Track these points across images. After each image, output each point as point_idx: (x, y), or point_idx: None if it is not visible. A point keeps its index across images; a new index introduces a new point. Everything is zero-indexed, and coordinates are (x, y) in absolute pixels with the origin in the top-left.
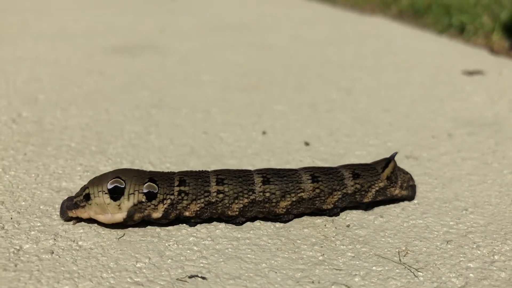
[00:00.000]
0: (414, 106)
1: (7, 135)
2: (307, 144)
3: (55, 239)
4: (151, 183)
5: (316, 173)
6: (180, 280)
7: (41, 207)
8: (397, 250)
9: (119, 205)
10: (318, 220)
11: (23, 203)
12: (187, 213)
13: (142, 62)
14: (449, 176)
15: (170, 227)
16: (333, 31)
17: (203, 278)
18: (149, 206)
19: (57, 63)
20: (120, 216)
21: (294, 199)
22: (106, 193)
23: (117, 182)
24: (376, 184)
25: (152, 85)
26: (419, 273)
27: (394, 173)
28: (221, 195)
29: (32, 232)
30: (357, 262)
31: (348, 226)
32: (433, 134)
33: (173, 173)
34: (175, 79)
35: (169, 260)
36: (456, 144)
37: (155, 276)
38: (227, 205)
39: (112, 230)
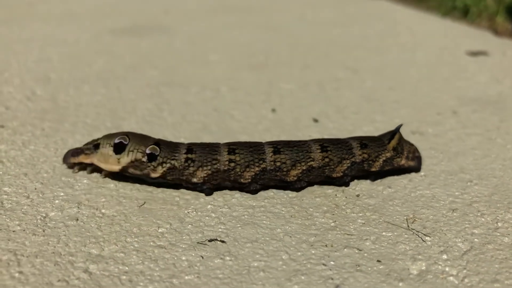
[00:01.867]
0: (419, 85)
1: (24, 112)
2: (315, 120)
3: (78, 207)
4: (155, 146)
5: (326, 144)
6: (200, 243)
7: (62, 178)
8: (405, 217)
9: (118, 159)
10: (329, 190)
11: (45, 174)
12: (194, 179)
13: (149, 43)
14: (454, 151)
15: (188, 196)
16: (338, 12)
17: (222, 241)
18: (148, 166)
19: (66, 44)
20: (116, 168)
21: (304, 167)
22: (111, 146)
23: (122, 139)
24: (383, 154)
25: (161, 64)
26: (426, 237)
27: (400, 144)
28: (232, 164)
29: (56, 201)
30: (368, 228)
31: (357, 195)
32: (438, 111)
33: (181, 143)
34: (183, 59)
35: (189, 225)
36: (461, 121)
37: (176, 240)
38: (239, 173)
39: (133, 199)
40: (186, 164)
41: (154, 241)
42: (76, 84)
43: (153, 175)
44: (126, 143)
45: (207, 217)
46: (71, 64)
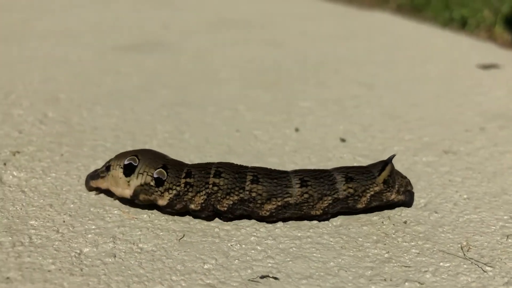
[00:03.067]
0: (439, 101)
1: (39, 136)
2: (343, 140)
3: (114, 242)
4: (162, 170)
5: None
6: (252, 281)
7: (91, 209)
8: (459, 245)
9: (128, 182)
10: (375, 217)
11: (72, 205)
12: (192, 206)
13: (155, 60)
14: (491, 171)
15: (228, 227)
16: (338, 26)
17: (275, 278)
18: (156, 191)
19: (69, 62)
20: (127, 192)
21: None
22: (121, 167)
23: (132, 160)
24: (372, 189)
25: (171, 83)
26: (487, 268)
27: (391, 177)
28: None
29: (89, 235)
30: (424, 259)
31: (405, 222)
32: (466, 128)
33: (186, 164)
34: (193, 77)
35: (236, 260)
36: (490, 138)
37: (226, 278)
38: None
39: (171, 231)
40: (185, 189)
41: (202, 279)
42: (88, 106)
43: (161, 202)
44: (136, 164)
45: (252, 251)
46: (78, 83)
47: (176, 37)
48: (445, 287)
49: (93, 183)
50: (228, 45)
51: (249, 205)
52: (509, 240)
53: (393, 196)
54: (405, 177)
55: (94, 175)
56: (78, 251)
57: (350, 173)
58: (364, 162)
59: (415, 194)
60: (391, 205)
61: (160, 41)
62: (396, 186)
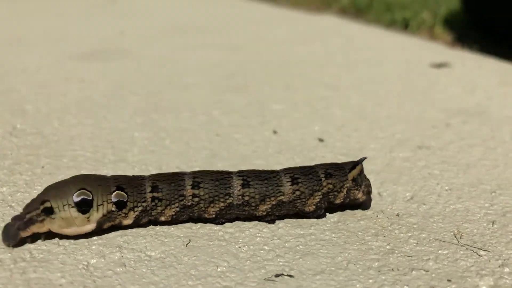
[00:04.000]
0: (401, 100)
1: (12, 149)
2: (321, 140)
3: (120, 251)
4: (120, 192)
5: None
6: (268, 280)
7: None
8: (451, 233)
9: (88, 218)
10: (369, 212)
11: None
12: (162, 218)
13: (117, 67)
14: (464, 163)
15: (231, 230)
16: (291, 30)
17: (290, 276)
18: (119, 214)
19: (27, 72)
20: (89, 227)
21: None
22: (73, 207)
23: (83, 194)
24: (346, 185)
25: (139, 90)
26: (481, 252)
27: (360, 176)
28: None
29: (93, 246)
30: (423, 248)
31: (397, 215)
32: (432, 125)
33: (142, 177)
34: (160, 82)
35: (247, 261)
36: (457, 132)
37: (242, 279)
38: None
39: (175, 237)
40: (153, 203)
41: (218, 282)
42: (57, 115)
43: (126, 222)
44: (91, 198)
45: (261, 251)
46: (42, 93)
47: (133, 44)
48: (448, 272)
49: (27, 232)
50: (188, 50)
51: (244, 209)
52: (495, 226)
53: (360, 195)
54: (367, 179)
55: (22, 224)
56: (86, 263)
57: (329, 170)
58: (346, 160)
59: (400, 188)
60: (350, 206)
61: (118, 48)
62: (363, 186)
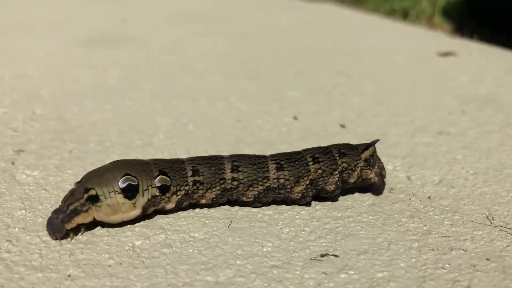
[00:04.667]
0: (414, 87)
1: (36, 134)
2: (343, 126)
3: (165, 233)
4: (163, 176)
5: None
6: (314, 259)
7: None
8: (483, 215)
9: (134, 203)
10: (401, 195)
11: None
12: (203, 201)
13: (126, 54)
14: (485, 148)
15: (269, 212)
16: (292, 18)
17: (335, 255)
18: (163, 199)
19: (36, 58)
20: (134, 213)
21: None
22: (119, 193)
23: (129, 180)
24: (359, 164)
25: (153, 76)
26: None
27: (373, 157)
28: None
29: (136, 228)
30: (458, 229)
31: (429, 198)
32: (449, 111)
33: (181, 161)
34: (172, 69)
35: (291, 242)
36: (473, 119)
37: (288, 258)
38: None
39: (216, 219)
40: (195, 187)
41: (266, 261)
42: (75, 101)
43: (168, 206)
44: (136, 183)
45: (302, 232)
46: (55, 79)
47: (138, 31)
48: (486, 252)
49: (72, 224)
50: (194, 37)
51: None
52: None
53: (372, 175)
54: (382, 162)
55: (66, 216)
56: (131, 244)
57: (342, 149)
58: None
59: (427, 172)
60: (365, 188)
61: (122, 35)
62: (376, 166)
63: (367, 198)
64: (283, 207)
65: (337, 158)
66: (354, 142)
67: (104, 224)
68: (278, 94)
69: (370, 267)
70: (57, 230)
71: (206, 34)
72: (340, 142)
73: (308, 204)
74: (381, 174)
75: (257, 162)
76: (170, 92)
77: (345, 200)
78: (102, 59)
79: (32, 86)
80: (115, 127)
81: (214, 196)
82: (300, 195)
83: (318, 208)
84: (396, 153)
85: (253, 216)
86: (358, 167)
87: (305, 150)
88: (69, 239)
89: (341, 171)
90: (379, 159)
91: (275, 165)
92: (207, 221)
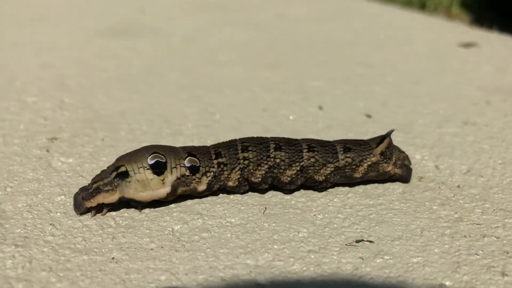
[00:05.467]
0: (437, 78)
1: (67, 122)
2: (368, 116)
3: (202, 218)
4: (192, 157)
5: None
6: (350, 245)
7: None
8: None
9: (162, 180)
10: (431, 183)
11: None
12: (230, 183)
13: (147, 44)
14: (511, 138)
15: (302, 199)
16: (310, 8)
17: (370, 241)
18: (194, 179)
19: (59, 48)
20: (163, 191)
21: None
22: (148, 169)
23: (157, 157)
24: (368, 159)
25: (176, 66)
26: None
27: (389, 149)
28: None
29: (174, 213)
30: (489, 217)
31: (458, 186)
32: (473, 102)
33: (206, 146)
34: (194, 59)
35: (326, 228)
36: (498, 110)
37: (324, 244)
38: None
39: (250, 205)
40: (220, 169)
41: (302, 246)
42: (102, 90)
43: (200, 188)
44: (164, 160)
45: (336, 219)
46: (79, 69)
47: (156, 21)
48: None
49: (91, 202)
50: (213, 28)
51: (273, 171)
52: None
53: (389, 168)
54: (403, 152)
55: (88, 194)
56: (170, 229)
57: (348, 144)
58: (398, 135)
59: (455, 161)
60: (390, 179)
61: (142, 25)
62: (393, 158)
63: (397, 186)
64: (316, 194)
65: (341, 152)
66: (381, 132)
67: (130, 208)
68: (301, 84)
69: (405, 253)
70: (77, 206)
71: (224, 24)
72: (369, 132)
73: (291, 191)
74: (404, 165)
75: (262, 142)
76: (194, 82)
77: (376, 188)
78: (124, 49)
79: (57, 75)
80: (143, 116)
81: (239, 177)
82: (323, 177)
83: (350, 196)
84: (423, 142)
85: (287, 203)
86: (365, 163)
87: (336, 141)
88: (92, 214)
89: (343, 166)
90: (399, 150)
91: (274, 145)
92: (242, 207)
